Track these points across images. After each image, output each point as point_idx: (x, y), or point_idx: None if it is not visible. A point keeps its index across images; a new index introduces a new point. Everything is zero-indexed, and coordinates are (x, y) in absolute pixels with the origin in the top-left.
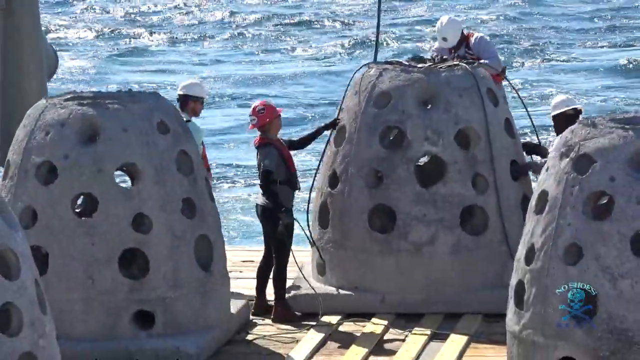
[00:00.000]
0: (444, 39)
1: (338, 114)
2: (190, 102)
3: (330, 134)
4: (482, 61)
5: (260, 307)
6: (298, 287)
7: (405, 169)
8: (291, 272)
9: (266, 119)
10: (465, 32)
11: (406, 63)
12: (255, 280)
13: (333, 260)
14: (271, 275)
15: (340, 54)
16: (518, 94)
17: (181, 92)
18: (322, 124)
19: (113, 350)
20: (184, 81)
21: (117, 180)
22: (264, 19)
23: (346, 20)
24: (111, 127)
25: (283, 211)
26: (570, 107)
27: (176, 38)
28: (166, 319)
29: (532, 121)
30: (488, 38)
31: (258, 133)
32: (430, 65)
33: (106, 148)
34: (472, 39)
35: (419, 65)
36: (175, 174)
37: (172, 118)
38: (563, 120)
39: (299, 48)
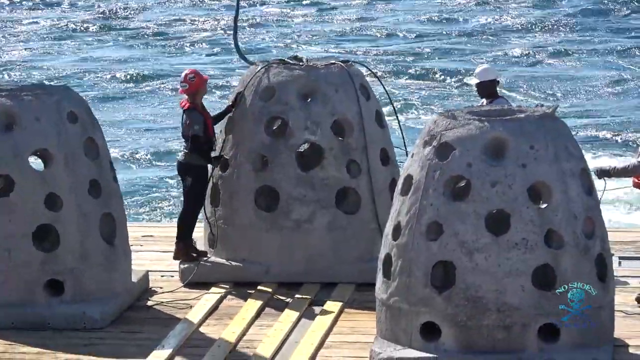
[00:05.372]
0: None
1: (237, 96)
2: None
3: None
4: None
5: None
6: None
7: (287, 155)
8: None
9: (196, 86)
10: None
11: (289, 61)
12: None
13: (223, 235)
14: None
15: None
16: None
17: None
18: (229, 104)
19: (28, 315)
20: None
21: (32, 164)
22: None
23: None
24: (26, 117)
25: (214, 158)
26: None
27: None
28: (75, 288)
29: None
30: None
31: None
32: (309, 64)
33: (22, 135)
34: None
35: (300, 63)
36: (83, 159)
37: (81, 109)
38: (486, 88)
39: None
